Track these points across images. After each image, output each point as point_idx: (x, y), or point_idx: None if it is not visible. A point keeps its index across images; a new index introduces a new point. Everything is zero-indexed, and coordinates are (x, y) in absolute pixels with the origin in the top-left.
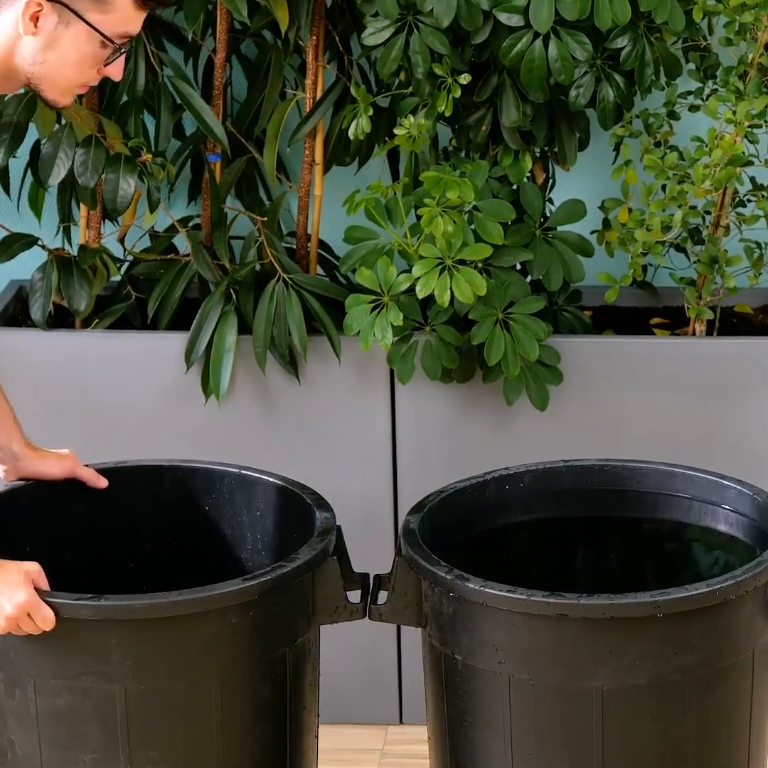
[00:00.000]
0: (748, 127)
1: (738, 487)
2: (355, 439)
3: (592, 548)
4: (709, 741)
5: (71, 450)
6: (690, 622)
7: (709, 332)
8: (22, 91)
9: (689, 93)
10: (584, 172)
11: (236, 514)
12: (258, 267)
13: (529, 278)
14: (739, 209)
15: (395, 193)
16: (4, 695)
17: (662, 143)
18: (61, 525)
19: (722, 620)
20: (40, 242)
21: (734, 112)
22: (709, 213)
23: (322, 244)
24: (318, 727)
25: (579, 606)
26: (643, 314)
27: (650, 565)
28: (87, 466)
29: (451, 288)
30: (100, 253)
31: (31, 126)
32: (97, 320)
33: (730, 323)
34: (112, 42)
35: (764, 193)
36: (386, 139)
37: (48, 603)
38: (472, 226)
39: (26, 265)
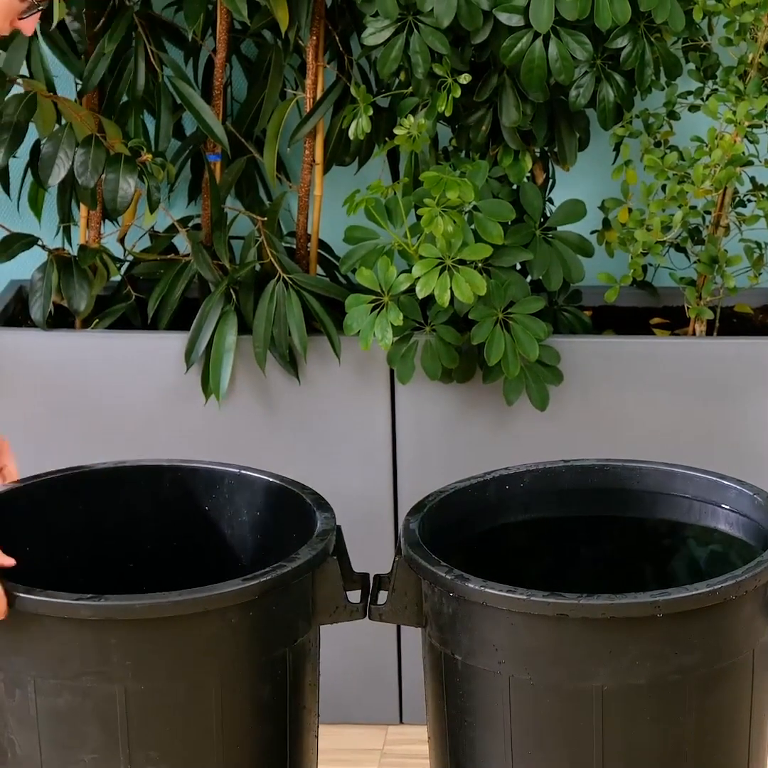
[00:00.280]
0: (748, 127)
1: (738, 487)
2: (355, 439)
3: (592, 548)
4: (709, 741)
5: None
6: (690, 622)
7: (709, 332)
8: (22, 90)
9: (689, 93)
10: (584, 172)
11: (236, 514)
12: (258, 267)
13: (529, 278)
14: (739, 209)
15: (395, 193)
16: (4, 695)
17: (662, 143)
18: (61, 525)
19: (722, 620)
20: (40, 242)
21: (734, 112)
22: (709, 213)
23: (322, 244)
24: (318, 727)
25: (579, 606)
26: (643, 314)
27: (650, 565)
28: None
29: (451, 288)
30: (100, 253)
31: (31, 126)
32: (97, 320)
33: (730, 323)
34: None
35: (764, 193)
36: (386, 139)
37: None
38: (472, 226)
39: (26, 265)
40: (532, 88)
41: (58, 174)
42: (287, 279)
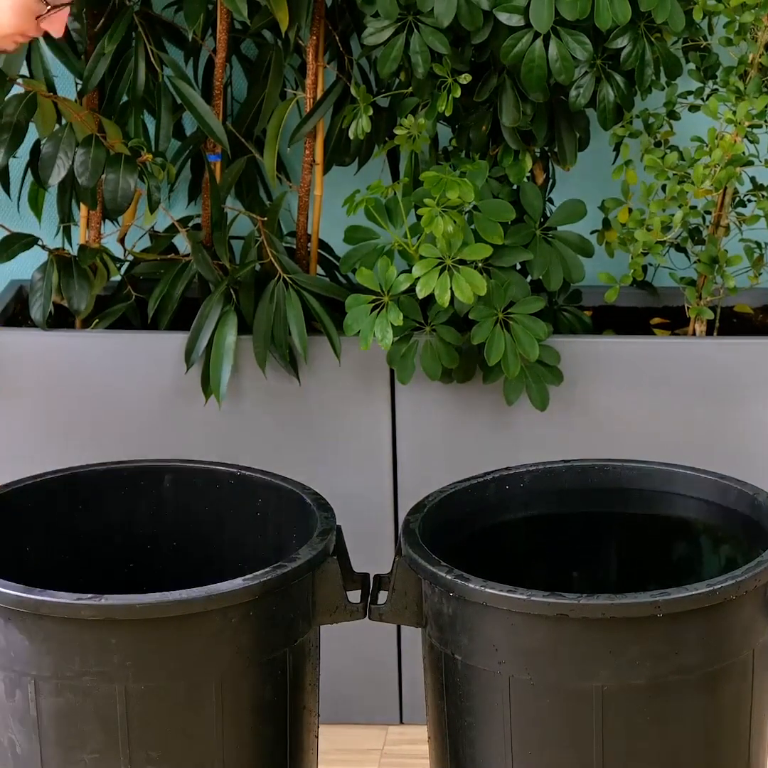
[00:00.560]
0: (748, 127)
1: (738, 487)
2: (355, 439)
3: (592, 548)
4: (709, 741)
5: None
6: (690, 622)
7: (709, 332)
8: (22, 90)
9: (689, 93)
10: (584, 172)
11: (236, 514)
12: (258, 267)
13: (529, 278)
14: (739, 209)
15: (395, 193)
16: (4, 695)
17: (662, 143)
18: (61, 525)
19: (722, 620)
20: (40, 242)
21: (734, 112)
22: (709, 213)
23: (322, 244)
24: (318, 727)
25: (579, 606)
26: (643, 314)
27: (650, 565)
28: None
29: (451, 288)
30: (100, 253)
31: (31, 126)
32: (97, 320)
33: (730, 323)
34: None
35: (764, 193)
36: (386, 139)
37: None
38: (472, 226)
39: (26, 265)
40: (532, 88)
41: (58, 174)
42: (287, 279)
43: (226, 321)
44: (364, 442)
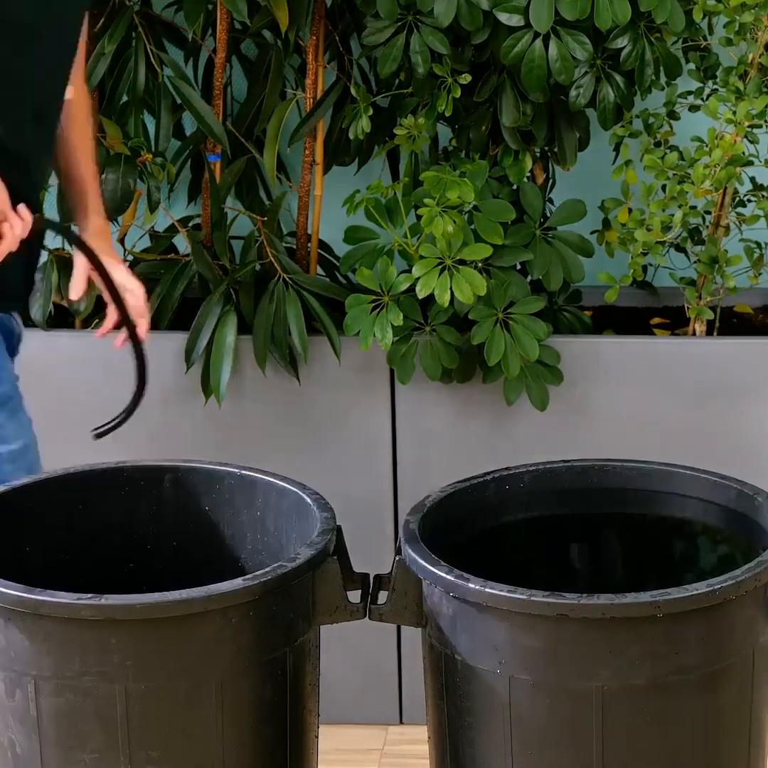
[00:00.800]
0: (748, 127)
1: (738, 487)
2: (355, 439)
3: (592, 548)
4: (709, 741)
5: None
6: (690, 622)
7: (709, 332)
8: None
9: (689, 93)
10: (584, 172)
11: (236, 514)
12: (258, 267)
13: (529, 278)
14: (739, 209)
15: (395, 193)
16: (4, 695)
17: (662, 143)
18: (61, 525)
19: (722, 620)
20: None
21: (734, 112)
22: (709, 213)
23: (322, 244)
24: (318, 727)
25: (579, 606)
26: (643, 314)
27: (650, 565)
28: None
29: (451, 288)
30: None
31: None
32: (97, 320)
33: (730, 323)
34: None
35: (764, 193)
36: (386, 139)
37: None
38: (472, 226)
39: None
40: (532, 88)
41: None
42: (287, 279)
43: (226, 321)
44: (364, 442)
